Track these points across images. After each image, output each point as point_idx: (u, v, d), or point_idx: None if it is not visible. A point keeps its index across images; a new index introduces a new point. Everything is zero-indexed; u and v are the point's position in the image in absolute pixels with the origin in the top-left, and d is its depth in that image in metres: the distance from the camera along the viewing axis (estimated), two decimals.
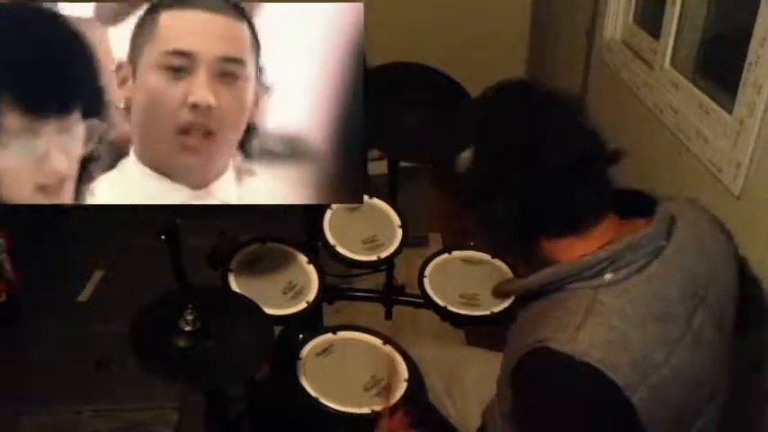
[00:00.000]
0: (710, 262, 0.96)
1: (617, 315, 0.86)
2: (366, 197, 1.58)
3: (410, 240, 1.54)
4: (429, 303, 1.49)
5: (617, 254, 0.88)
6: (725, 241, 1.01)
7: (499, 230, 0.96)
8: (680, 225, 0.93)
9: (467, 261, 1.59)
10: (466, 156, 0.94)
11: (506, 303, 1.46)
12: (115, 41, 1.03)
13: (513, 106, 0.96)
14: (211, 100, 0.99)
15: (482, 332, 1.46)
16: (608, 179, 0.94)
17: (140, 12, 1.01)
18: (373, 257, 1.50)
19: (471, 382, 1.39)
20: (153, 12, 1.00)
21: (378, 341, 1.39)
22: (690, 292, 0.91)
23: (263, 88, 1.07)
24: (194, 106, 0.99)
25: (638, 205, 0.96)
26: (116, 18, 1.04)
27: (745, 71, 1.23)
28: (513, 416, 0.95)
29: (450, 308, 1.46)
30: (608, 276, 0.88)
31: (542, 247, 0.96)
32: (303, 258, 1.48)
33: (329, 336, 1.39)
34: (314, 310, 1.44)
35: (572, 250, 0.92)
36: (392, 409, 1.23)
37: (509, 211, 0.92)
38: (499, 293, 1.10)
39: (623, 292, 0.88)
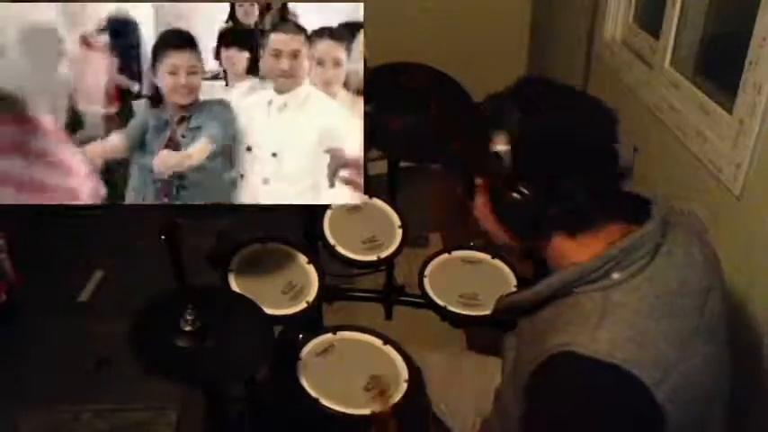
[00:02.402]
0: (708, 259, 0.96)
1: (632, 312, 0.86)
2: (366, 197, 1.58)
3: (410, 240, 1.54)
4: (429, 303, 1.49)
5: (622, 252, 0.89)
6: (711, 244, 1.01)
7: (518, 217, 0.96)
8: (674, 223, 0.95)
9: (467, 261, 1.59)
10: (503, 140, 0.92)
11: None
12: None
13: (559, 101, 0.96)
14: None
15: (483, 334, 1.46)
16: (620, 188, 0.97)
17: None
18: (373, 257, 1.50)
19: (469, 387, 1.39)
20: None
21: (378, 341, 1.38)
22: (693, 286, 0.91)
23: None
24: None
25: (640, 208, 0.97)
26: None
27: (745, 71, 1.23)
28: (526, 424, 0.93)
29: (450, 308, 1.46)
30: (616, 276, 0.89)
31: (554, 243, 0.96)
32: (303, 258, 1.48)
33: (329, 336, 1.39)
34: (314, 310, 1.43)
35: (581, 250, 0.93)
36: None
37: (534, 198, 0.92)
38: (505, 307, 1.08)
39: (633, 289, 0.88)
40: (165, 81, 1.17)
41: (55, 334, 1.95)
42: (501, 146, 0.92)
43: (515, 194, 0.93)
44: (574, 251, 0.94)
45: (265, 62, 1.22)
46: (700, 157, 1.40)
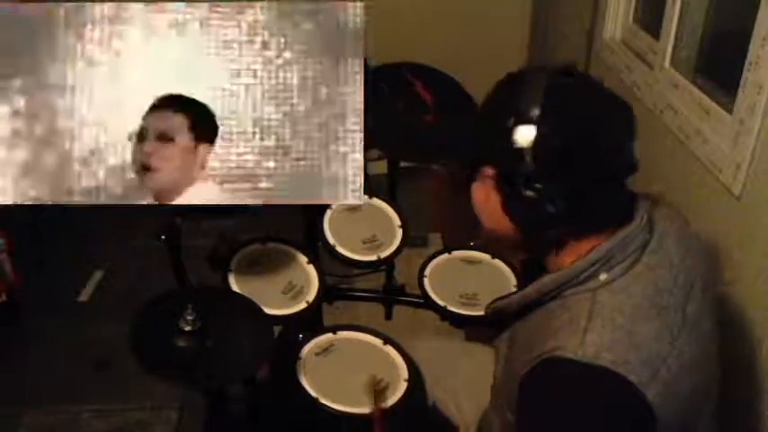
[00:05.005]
0: (691, 250, 0.96)
1: (619, 313, 0.86)
2: (366, 197, 1.58)
3: (410, 240, 1.54)
4: (429, 303, 1.49)
5: (608, 253, 0.89)
6: (695, 233, 1.01)
7: (530, 214, 0.91)
8: (658, 217, 0.94)
9: (467, 261, 1.59)
10: (526, 133, 0.88)
11: None
12: None
13: (588, 98, 0.93)
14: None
15: (482, 334, 1.46)
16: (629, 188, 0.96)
17: None
18: (373, 257, 1.50)
19: (469, 379, 1.39)
20: None
21: (378, 341, 1.38)
22: (679, 281, 0.91)
23: None
24: None
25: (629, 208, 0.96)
26: None
27: (745, 71, 1.23)
28: (519, 427, 0.93)
29: (450, 308, 1.46)
30: (603, 277, 0.89)
31: (563, 246, 0.94)
32: (303, 258, 1.48)
33: (329, 336, 1.39)
34: (314, 310, 1.43)
35: (585, 249, 0.91)
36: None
37: (550, 197, 0.88)
38: (496, 311, 1.08)
39: (620, 289, 0.88)
40: None
41: (55, 334, 1.95)
42: (524, 142, 0.88)
43: (531, 192, 0.89)
44: (579, 250, 0.92)
45: None
46: (700, 157, 1.40)
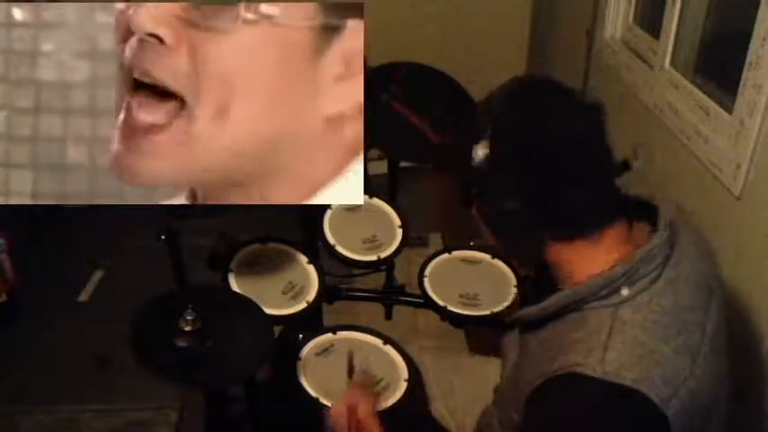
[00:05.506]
0: (709, 263, 0.95)
1: (640, 330, 0.85)
2: (366, 197, 1.58)
3: (410, 240, 1.54)
4: (429, 303, 1.49)
5: (632, 269, 0.87)
6: (710, 247, 1.00)
7: (508, 228, 0.94)
8: (679, 229, 0.93)
9: (467, 261, 1.59)
10: (480, 150, 0.91)
11: (506, 303, 1.46)
12: None
13: (536, 104, 0.93)
14: None
15: (482, 334, 1.46)
16: (617, 187, 0.94)
17: None
18: (373, 257, 1.50)
19: (468, 389, 1.39)
20: None
21: (378, 341, 1.39)
22: (699, 296, 0.90)
23: None
24: None
25: (638, 208, 0.96)
26: None
27: (745, 71, 1.23)
28: None
29: (450, 308, 1.46)
30: (625, 292, 0.87)
31: (551, 252, 0.94)
32: (303, 258, 1.48)
33: (329, 336, 1.39)
34: (314, 310, 1.44)
35: (582, 257, 0.91)
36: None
37: (518, 208, 0.90)
38: (512, 322, 1.07)
39: (642, 305, 0.86)
40: None
41: (55, 334, 1.95)
42: (481, 159, 0.91)
43: (502, 205, 0.91)
44: (576, 260, 0.92)
45: None
46: (700, 157, 1.40)
